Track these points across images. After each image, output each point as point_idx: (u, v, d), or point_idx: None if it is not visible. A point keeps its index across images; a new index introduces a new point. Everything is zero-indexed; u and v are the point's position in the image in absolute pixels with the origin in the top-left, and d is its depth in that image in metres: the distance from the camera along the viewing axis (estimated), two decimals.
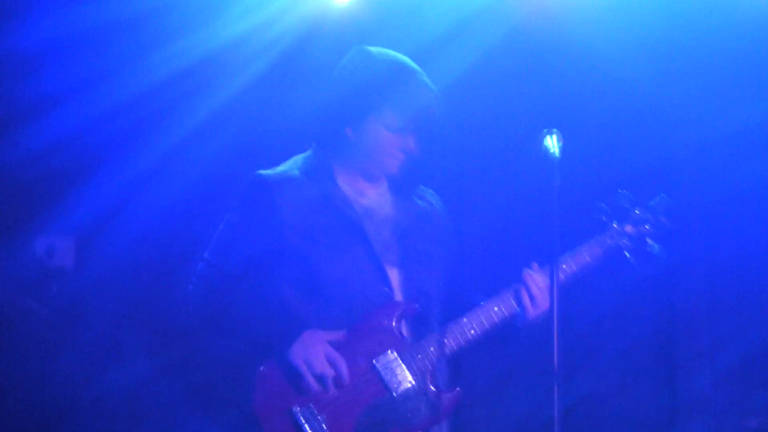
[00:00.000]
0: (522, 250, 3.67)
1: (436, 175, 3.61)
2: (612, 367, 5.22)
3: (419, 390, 3.32)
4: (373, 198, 3.50)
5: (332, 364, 3.26)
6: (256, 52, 5.10)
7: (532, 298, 3.38)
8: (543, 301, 3.37)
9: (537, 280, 3.39)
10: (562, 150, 3.22)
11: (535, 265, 3.43)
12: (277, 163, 3.53)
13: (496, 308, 3.40)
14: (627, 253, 3.50)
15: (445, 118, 3.45)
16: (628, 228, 3.52)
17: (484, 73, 5.19)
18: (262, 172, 3.45)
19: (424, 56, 5.01)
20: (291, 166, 3.50)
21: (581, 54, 5.12)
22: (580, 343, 5.04)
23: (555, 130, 3.25)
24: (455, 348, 3.37)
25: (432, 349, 3.34)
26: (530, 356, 4.77)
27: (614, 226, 3.52)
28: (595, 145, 5.08)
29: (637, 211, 3.53)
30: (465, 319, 3.38)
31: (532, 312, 3.39)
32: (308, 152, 3.52)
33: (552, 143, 3.22)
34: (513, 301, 3.41)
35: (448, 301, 3.49)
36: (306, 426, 3.25)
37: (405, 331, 3.39)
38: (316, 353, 3.25)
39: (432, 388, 3.34)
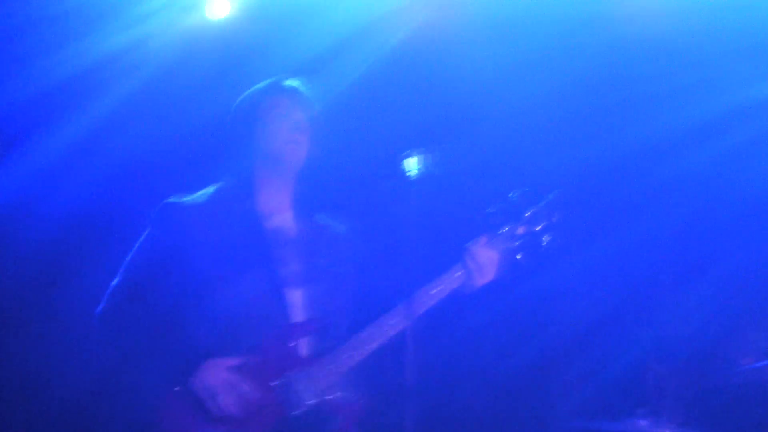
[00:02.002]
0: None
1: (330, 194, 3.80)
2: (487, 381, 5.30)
3: (323, 406, 3.42)
4: (280, 220, 3.63)
5: (234, 389, 3.33)
6: (137, 65, 5.10)
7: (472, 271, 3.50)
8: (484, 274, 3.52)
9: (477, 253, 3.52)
10: (438, 165, 3.36)
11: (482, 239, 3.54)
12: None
13: (390, 323, 3.50)
14: (518, 256, 3.59)
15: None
16: (520, 230, 3.60)
17: (365, 87, 5.25)
18: (176, 199, 3.57)
19: (303, 72, 5.12)
20: (205, 192, 3.63)
21: (468, 67, 5.23)
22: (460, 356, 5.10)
23: (424, 149, 3.39)
24: (358, 359, 3.47)
25: (335, 364, 3.45)
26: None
27: (505, 230, 3.59)
28: (485, 157, 5.19)
29: (528, 213, 3.60)
30: (364, 334, 3.49)
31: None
32: (222, 182, 3.66)
33: (421, 162, 3.39)
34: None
35: (358, 315, 3.60)
36: None
37: (307, 350, 3.48)
38: (218, 381, 3.32)
39: (335, 402, 3.45)
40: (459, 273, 3.53)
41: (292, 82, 3.75)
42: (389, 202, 5.01)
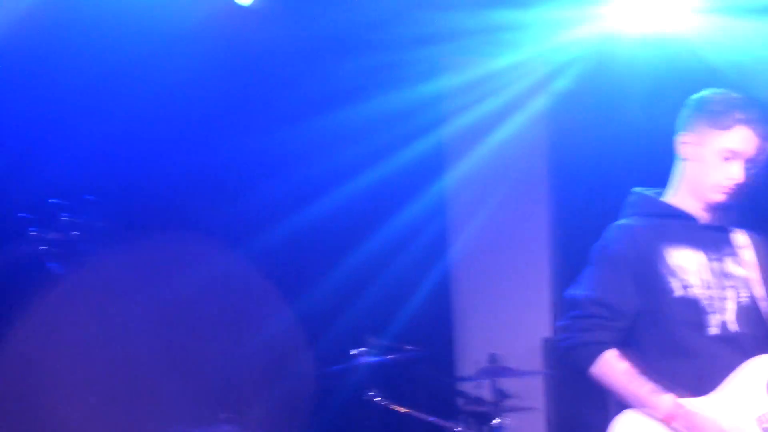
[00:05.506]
0: None
1: None
2: None
3: None
4: None
5: None
6: None
7: None
8: None
9: None
10: None
11: None
12: None
13: None
14: (51, 259, 3.47)
15: None
16: (53, 235, 3.45)
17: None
18: None
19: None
20: None
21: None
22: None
23: None
24: None
25: None
26: None
27: (32, 233, 3.44)
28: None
29: (64, 218, 3.46)
30: None
31: None
32: None
33: None
34: None
35: None
36: None
37: None
38: None
39: None
40: None
41: None
42: None
